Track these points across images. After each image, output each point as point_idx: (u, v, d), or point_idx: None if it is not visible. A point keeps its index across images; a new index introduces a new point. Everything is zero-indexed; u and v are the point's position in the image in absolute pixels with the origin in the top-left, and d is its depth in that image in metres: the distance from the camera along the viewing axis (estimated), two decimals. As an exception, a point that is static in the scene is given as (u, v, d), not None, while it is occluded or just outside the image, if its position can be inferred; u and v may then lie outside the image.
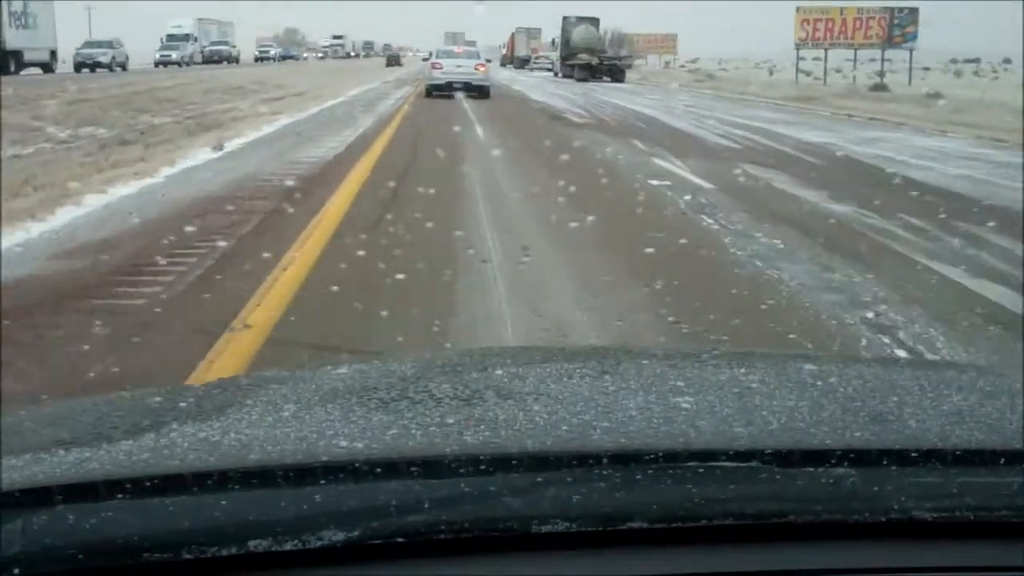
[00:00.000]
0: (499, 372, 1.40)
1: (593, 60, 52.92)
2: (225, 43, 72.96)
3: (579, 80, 51.90)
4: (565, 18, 62.24)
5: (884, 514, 0.99)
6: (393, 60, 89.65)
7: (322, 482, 0.96)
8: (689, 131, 19.40)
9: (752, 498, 0.99)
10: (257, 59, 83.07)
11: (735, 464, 1.00)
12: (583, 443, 1.05)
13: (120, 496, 0.93)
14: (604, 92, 37.58)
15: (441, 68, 30.75)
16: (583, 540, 0.95)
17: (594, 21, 62.02)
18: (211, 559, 0.90)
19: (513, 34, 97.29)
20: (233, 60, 70.52)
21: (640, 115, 24.18)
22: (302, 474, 0.97)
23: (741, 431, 1.11)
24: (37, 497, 0.93)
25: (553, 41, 65.55)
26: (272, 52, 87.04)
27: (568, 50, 59.57)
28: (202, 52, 68.08)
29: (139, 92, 31.89)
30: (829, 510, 1.00)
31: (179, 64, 60.04)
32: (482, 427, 1.11)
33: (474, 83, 29.89)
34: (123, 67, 50.86)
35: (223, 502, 0.94)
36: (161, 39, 65.93)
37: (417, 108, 25.25)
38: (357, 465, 0.98)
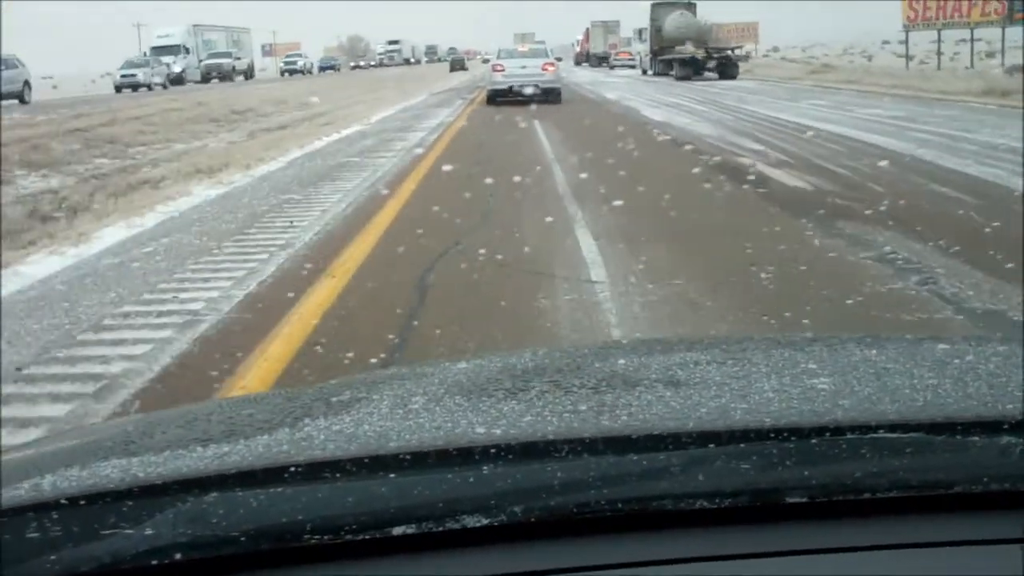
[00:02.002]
0: (622, 362, 1.34)
1: (698, 52, 40.92)
2: (227, 54, 55.64)
3: (680, 79, 40.13)
4: (655, 5, 50.31)
5: None
6: (457, 65, 78.76)
7: (463, 466, 0.93)
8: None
9: (920, 469, 0.94)
10: (283, 72, 68.04)
11: (899, 435, 0.96)
12: (726, 423, 1.01)
13: (273, 482, 0.92)
14: (731, 96, 25.76)
15: (503, 70, 25.42)
16: (740, 516, 0.92)
17: (690, 6, 49.97)
18: (357, 543, 0.89)
19: (588, 29, 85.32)
20: (240, 74, 54.85)
21: (873, 150, 12.32)
22: (444, 459, 0.95)
23: (889, 408, 1.07)
24: (190, 486, 0.93)
25: (640, 33, 53.63)
26: (301, 63, 70.03)
27: (661, 42, 47.66)
28: (199, 67, 53.36)
29: (77, 130, 21.27)
30: (998, 479, 0.94)
31: (148, 86, 43.44)
32: (617, 412, 1.07)
33: (542, 86, 24.51)
34: (19, 99, 34.58)
35: (366, 488, 0.92)
36: (144, 52, 51.51)
37: (459, 150, 13.90)
38: (498, 448, 0.95)
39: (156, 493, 0.91)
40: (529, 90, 24.12)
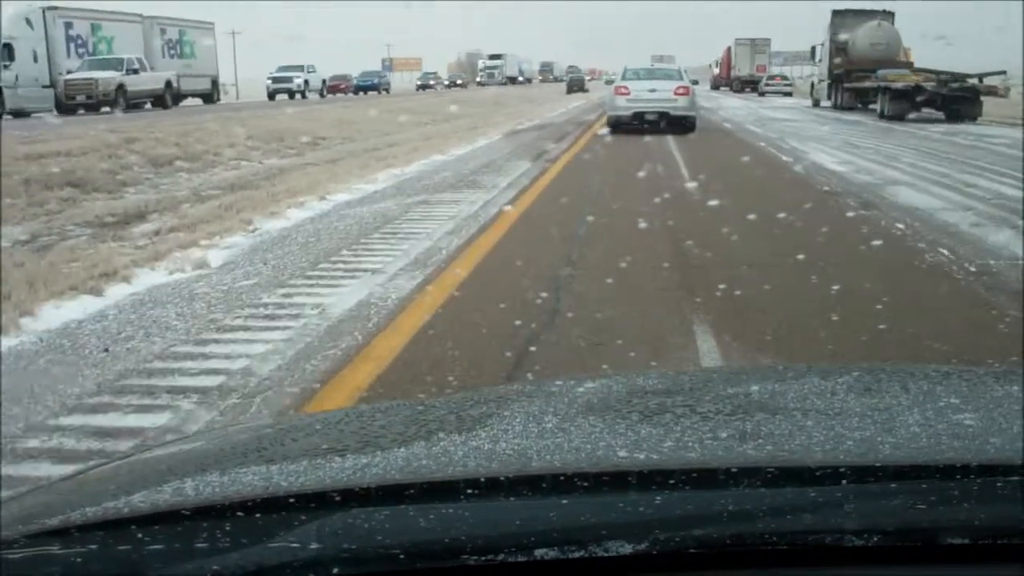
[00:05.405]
0: (755, 388, 1.25)
1: (924, 80, 26.03)
2: (116, 63, 29.92)
3: (889, 117, 25.56)
4: (837, 12, 35.69)
5: None
6: (576, 86, 64.94)
7: (608, 491, 0.89)
8: None
9: None
10: (272, 94, 44.60)
11: None
12: (876, 457, 0.95)
13: (420, 499, 0.89)
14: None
15: (628, 94, 19.37)
16: (890, 556, 0.85)
17: (888, 15, 35.19)
18: (498, 565, 0.84)
19: (730, 48, 70.42)
20: (148, 97, 30.84)
21: None
22: (589, 482, 0.91)
23: None
24: (334, 498, 0.89)
25: (813, 50, 38.94)
26: (297, 82, 44.64)
27: (848, 63, 33.01)
28: (59, 84, 29.23)
29: None
30: None
31: None
32: (760, 441, 1.01)
33: (673, 113, 19.01)
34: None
35: (510, 509, 0.88)
36: None
37: None
38: (643, 474, 0.91)
39: (300, 503, 0.87)
40: (657, 117, 18.88)
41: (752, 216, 7.71)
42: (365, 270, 6.30)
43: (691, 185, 10.14)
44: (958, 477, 0.88)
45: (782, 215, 7.74)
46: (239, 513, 0.86)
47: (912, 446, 1.00)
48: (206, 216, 9.84)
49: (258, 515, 0.86)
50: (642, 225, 7.57)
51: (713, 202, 8.65)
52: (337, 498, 0.87)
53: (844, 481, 0.87)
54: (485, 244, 7.22)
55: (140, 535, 0.84)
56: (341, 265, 6.49)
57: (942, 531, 0.84)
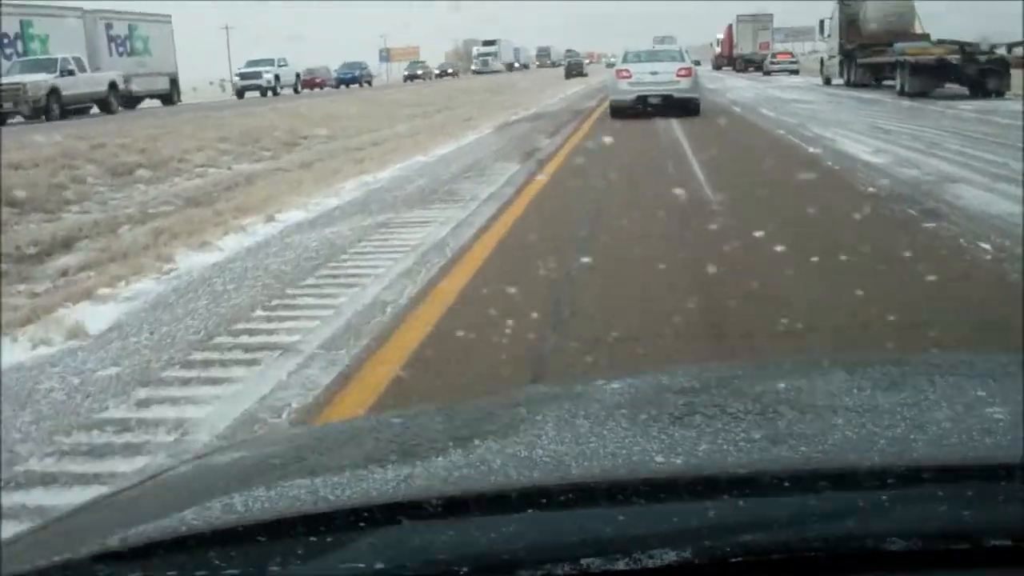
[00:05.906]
0: (781, 385, 1.22)
1: (948, 53, 24.11)
2: (61, 69, 25.91)
3: (911, 94, 23.69)
4: (846, -16, 33.73)
5: None
6: (575, 70, 63.20)
7: (649, 499, 0.88)
8: None
9: None
10: (241, 91, 40.35)
11: None
12: (912, 457, 0.93)
13: (471, 511, 0.88)
14: None
15: (629, 77, 18.79)
16: (934, 560, 0.83)
17: (900, -14, 33.18)
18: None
19: (731, 26, 68.29)
20: (88, 101, 27.06)
21: None
22: (631, 490, 0.89)
23: None
24: (388, 512, 0.87)
25: (821, 25, 36.96)
26: (267, 77, 39.80)
27: (860, 38, 31.11)
28: None
29: None
30: None
31: None
32: (793, 442, 0.99)
33: (676, 95, 18.35)
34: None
35: (560, 518, 0.87)
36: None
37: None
38: (685, 482, 0.89)
39: (353, 518, 0.86)
40: (660, 100, 18.25)
41: (796, 244, 5.95)
42: (274, 346, 4.54)
43: (711, 196, 8.33)
44: (1000, 478, 0.84)
45: (833, 239, 5.97)
46: (295, 530, 0.84)
47: (945, 443, 0.97)
48: (132, 246, 8.24)
49: (314, 530, 0.83)
50: (652, 264, 5.81)
51: (744, 223, 6.88)
52: (388, 512, 0.86)
53: (883, 484, 0.85)
54: (447, 291, 5.47)
55: (209, 554, 0.82)
56: (245, 338, 4.73)
57: (987, 533, 0.81)
